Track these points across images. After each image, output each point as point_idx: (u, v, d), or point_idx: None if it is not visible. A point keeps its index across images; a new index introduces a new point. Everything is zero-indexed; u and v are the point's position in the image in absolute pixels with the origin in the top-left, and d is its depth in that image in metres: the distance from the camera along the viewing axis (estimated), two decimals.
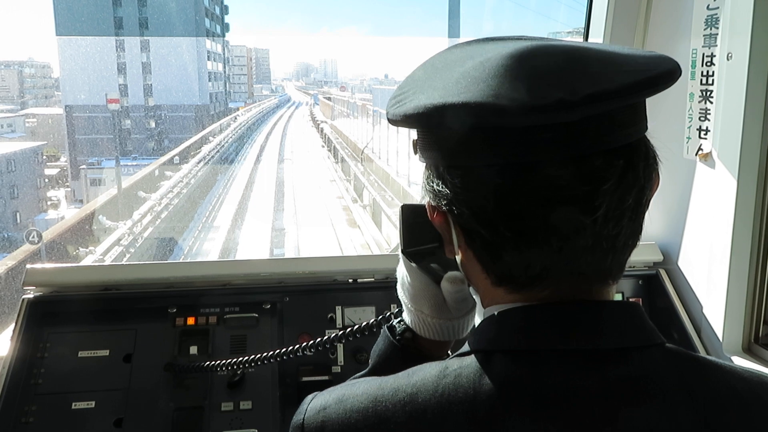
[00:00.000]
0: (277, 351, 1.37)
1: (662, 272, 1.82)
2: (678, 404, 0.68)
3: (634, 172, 0.70)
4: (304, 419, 0.75)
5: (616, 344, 0.71)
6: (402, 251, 0.98)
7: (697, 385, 0.70)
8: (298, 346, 1.34)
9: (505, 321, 0.74)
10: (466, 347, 0.76)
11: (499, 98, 0.65)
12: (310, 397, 0.79)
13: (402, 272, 1.01)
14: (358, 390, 0.74)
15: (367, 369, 1.02)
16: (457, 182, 0.72)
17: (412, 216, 0.95)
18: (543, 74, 0.67)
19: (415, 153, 0.81)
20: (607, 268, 0.73)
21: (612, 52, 0.72)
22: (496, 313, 0.76)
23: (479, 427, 0.67)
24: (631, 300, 1.76)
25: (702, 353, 1.61)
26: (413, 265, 0.98)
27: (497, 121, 0.66)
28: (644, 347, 0.72)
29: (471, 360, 0.72)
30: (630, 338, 0.72)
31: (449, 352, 1.02)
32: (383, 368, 0.98)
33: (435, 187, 0.76)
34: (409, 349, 1.00)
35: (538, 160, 0.67)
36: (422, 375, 0.72)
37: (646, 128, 0.73)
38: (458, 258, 0.81)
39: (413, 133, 0.80)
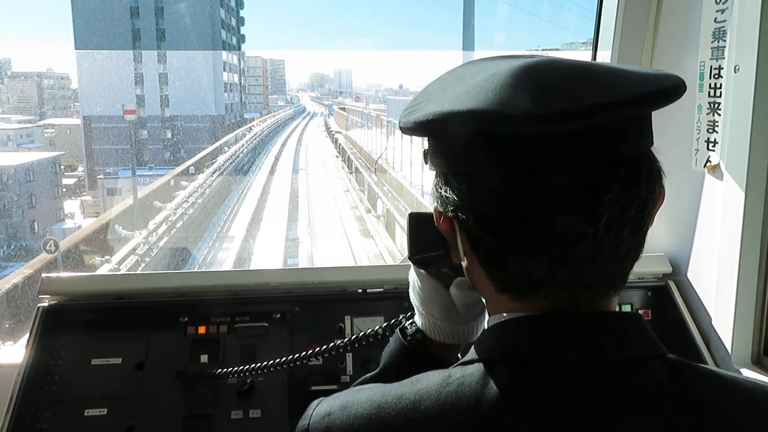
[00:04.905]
0: (286, 358, 1.38)
1: (671, 284, 1.81)
2: (678, 414, 0.69)
3: (637, 184, 0.70)
4: (309, 424, 0.77)
5: (615, 355, 0.72)
6: (408, 258, 1.00)
7: (697, 395, 0.71)
8: (306, 352, 1.35)
9: (506, 331, 0.76)
10: (470, 355, 0.77)
11: (504, 107, 0.67)
12: (315, 402, 0.80)
13: (413, 277, 1.03)
14: (363, 396, 0.75)
15: (377, 370, 1.04)
16: (463, 188, 0.74)
17: (418, 224, 0.96)
18: (549, 85, 0.68)
19: (426, 162, 0.82)
20: (609, 278, 0.74)
21: (619, 67, 0.73)
22: (498, 322, 0.77)
23: None
24: (639, 311, 1.76)
25: (711, 365, 1.60)
26: (422, 271, 1.00)
27: (502, 129, 0.67)
28: (645, 358, 0.72)
29: (474, 369, 0.73)
30: (630, 349, 0.72)
31: (459, 355, 1.03)
32: (393, 369, 1.01)
33: (442, 193, 0.78)
34: (419, 351, 1.02)
35: (542, 168, 0.68)
36: (426, 383, 0.73)
37: (652, 143, 0.74)
38: (464, 264, 0.83)
39: (426, 144, 0.82)
